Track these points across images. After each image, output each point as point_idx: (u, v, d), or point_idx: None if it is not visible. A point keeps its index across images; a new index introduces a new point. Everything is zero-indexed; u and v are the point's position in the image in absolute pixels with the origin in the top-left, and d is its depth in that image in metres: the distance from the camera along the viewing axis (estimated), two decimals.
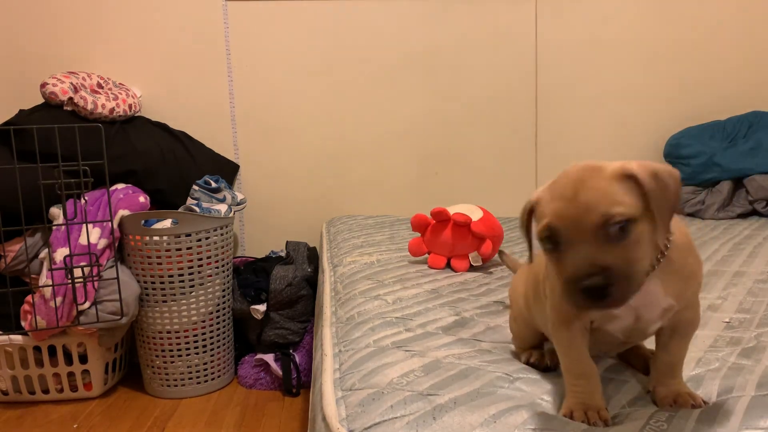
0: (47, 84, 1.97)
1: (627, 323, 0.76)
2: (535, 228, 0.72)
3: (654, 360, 0.80)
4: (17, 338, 1.87)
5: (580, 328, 0.77)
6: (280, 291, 2.02)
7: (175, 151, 2.16)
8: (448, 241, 1.56)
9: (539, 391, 0.83)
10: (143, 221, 1.92)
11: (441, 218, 1.58)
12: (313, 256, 2.23)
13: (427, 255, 1.63)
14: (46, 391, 1.95)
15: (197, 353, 1.98)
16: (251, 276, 2.10)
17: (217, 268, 2.00)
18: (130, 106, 2.13)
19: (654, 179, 0.67)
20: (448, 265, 1.58)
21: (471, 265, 1.57)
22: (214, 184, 2.09)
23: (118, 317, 1.84)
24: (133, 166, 2.03)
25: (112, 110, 2.05)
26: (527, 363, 0.92)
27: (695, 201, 2.29)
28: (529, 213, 0.74)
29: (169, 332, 1.95)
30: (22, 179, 1.80)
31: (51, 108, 2.01)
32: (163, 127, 2.23)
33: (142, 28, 2.28)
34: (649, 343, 0.87)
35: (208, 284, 1.98)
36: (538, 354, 0.92)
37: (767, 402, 0.73)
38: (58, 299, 1.78)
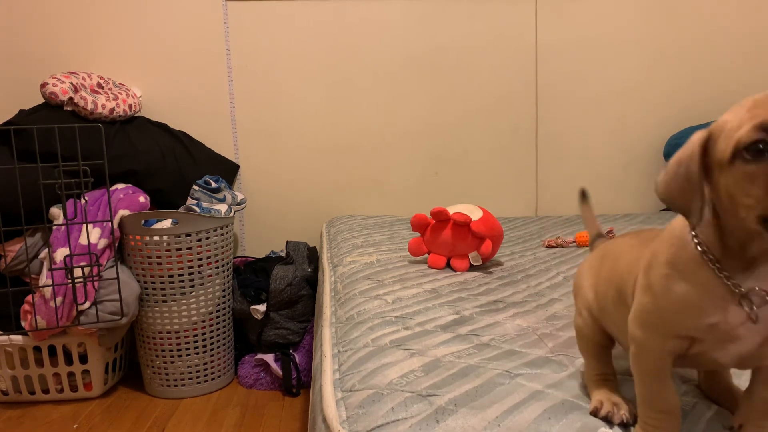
0: (47, 84, 1.97)
1: (747, 348, 0.60)
2: (718, 154, 0.54)
3: (749, 395, 0.66)
4: (17, 338, 1.87)
5: (672, 350, 0.62)
6: (280, 291, 2.02)
7: (175, 151, 2.16)
8: (448, 241, 1.56)
9: (540, 386, 0.83)
10: (143, 221, 1.92)
11: (441, 218, 1.58)
12: (313, 256, 2.23)
13: (427, 255, 1.63)
14: (46, 391, 1.95)
15: (197, 353, 1.98)
16: (251, 276, 2.10)
17: (217, 268, 2.00)
18: (130, 106, 2.13)
19: None
20: (448, 265, 1.58)
21: (471, 265, 1.57)
22: (214, 184, 2.09)
23: (118, 317, 1.84)
24: (133, 166, 2.03)
25: (112, 110, 2.05)
26: (605, 419, 0.72)
27: None
28: (704, 146, 0.56)
29: (169, 332, 1.95)
30: (22, 179, 1.80)
31: (51, 108, 2.01)
32: (163, 127, 2.23)
33: (142, 28, 2.28)
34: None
35: (208, 284, 1.98)
36: (625, 405, 0.73)
37: None
38: (58, 299, 1.78)
